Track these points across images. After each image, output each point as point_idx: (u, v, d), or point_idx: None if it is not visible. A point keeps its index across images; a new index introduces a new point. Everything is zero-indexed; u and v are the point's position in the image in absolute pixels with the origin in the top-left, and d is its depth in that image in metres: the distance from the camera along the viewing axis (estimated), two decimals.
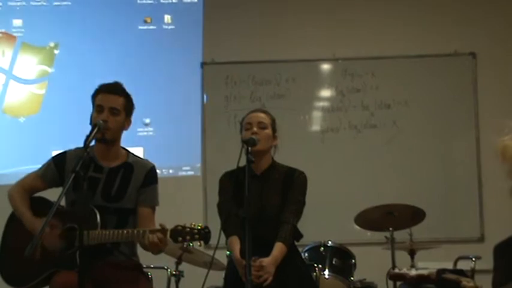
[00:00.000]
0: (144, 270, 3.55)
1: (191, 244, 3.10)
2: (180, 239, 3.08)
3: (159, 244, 3.12)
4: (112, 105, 3.36)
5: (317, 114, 5.82)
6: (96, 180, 3.37)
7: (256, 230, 3.14)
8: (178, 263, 4.35)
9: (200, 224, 3.11)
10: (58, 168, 3.43)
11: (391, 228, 4.55)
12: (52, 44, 5.83)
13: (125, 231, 3.20)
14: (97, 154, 3.42)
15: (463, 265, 4.64)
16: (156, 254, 3.25)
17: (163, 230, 3.12)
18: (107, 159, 3.43)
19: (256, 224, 3.16)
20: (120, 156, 3.47)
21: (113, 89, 3.42)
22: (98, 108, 3.36)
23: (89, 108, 3.45)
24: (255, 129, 3.57)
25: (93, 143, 3.26)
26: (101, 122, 3.24)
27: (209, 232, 3.08)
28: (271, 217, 3.55)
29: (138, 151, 5.27)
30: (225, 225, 3.53)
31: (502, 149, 2.45)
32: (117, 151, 3.46)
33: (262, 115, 3.66)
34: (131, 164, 3.46)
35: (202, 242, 3.11)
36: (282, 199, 3.59)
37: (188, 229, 3.07)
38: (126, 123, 3.44)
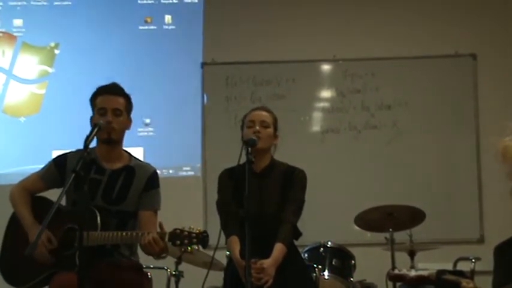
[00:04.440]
0: (144, 270, 3.55)
1: (189, 248, 3.08)
2: (178, 242, 3.08)
3: (153, 245, 3.10)
4: (115, 106, 3.37)
5: (317, 115, 5.81)
6: (98, 182, 3.37)
7: (256, 228, 3.13)
8: (178, 263, 4.36)
9: (199, 228, 3.10)
10: (59, 169, 3.43)
11: (391, 229, 4.55)
12: (52, 44, 5.82)
13: (124, 233, 3.20)
14: (99, 155, 3.42)
15: (462, 266, 4.64)
16: (157, 257, 3.24)
17: (159, 232, 3.11)
18: (109, 160, 3.43)
19: (255, 222, 3.15)
20: (122, 159, 3.47)
21: (114, 90, 3.43)
22: (100, 111, 3.36)
23: (89, 108, 3.45)
24: (257, 127, 3.58)
25: (94, 144, 3.26)
26: (101, 122, 3.23)
27: (207, 236, 3.07)
28: (271, 215, 3.55)
29: (138, 151, 5.29)
30: (224, 224, 3.53)
31: (503, 150, 2.46)
32: (120, 153, 3.47)
33: (265, 114, 3.67)
34: (133, 167, 3.45)
35: (200, 246, 3.11)
36: (282, 197, 3.59)
37: (186, 233, 3.06)
38: (128, 122, 3.45)
